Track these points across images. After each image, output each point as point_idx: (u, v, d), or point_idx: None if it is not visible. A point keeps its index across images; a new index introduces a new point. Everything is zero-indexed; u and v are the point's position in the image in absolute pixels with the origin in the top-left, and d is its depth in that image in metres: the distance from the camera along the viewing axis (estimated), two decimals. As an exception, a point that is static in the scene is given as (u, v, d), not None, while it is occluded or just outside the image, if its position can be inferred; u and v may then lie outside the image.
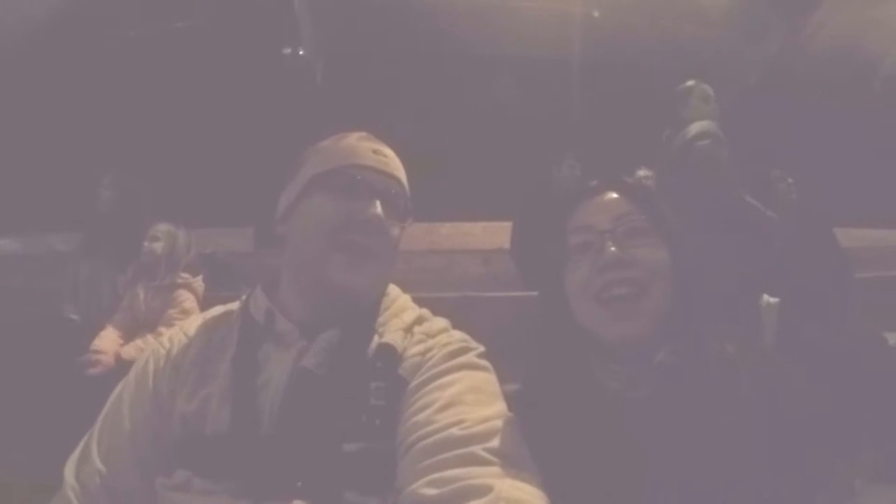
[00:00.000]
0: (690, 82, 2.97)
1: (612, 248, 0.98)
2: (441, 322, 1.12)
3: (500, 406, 0.96)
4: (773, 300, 2.36)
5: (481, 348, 1.07)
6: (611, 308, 0.97)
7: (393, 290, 1.15)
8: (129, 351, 2.70)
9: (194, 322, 1.16)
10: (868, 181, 5.44)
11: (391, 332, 1.04)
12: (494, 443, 0.88)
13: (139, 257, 2.98)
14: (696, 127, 2.48)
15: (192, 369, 1.06)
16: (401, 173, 1.12)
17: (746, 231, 2.42)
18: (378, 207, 1.04)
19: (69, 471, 1.02)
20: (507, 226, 3.75)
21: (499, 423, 0.91)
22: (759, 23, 5.75)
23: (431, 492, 0.83)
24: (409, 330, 1.07)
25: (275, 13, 5.21)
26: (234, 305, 1.15)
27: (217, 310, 1.17)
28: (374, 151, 1.09)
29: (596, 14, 5.53)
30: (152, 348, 1.13)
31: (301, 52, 5.61)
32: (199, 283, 2.97)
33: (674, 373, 0.96)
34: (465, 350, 1.04)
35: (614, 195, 1.06)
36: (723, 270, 2.27)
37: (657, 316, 0.97)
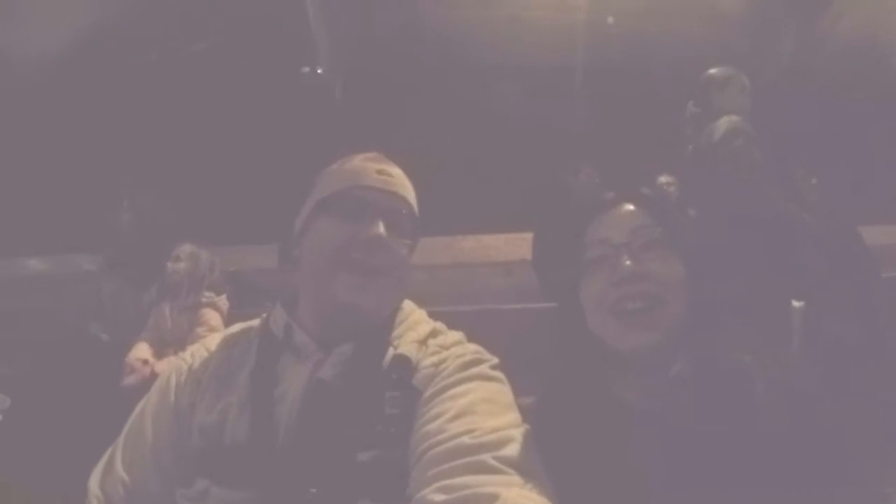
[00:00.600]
0: (730, 70, 2.92)
1: (628, 262, 0.99)
2: (455, 335, 1.14)
3: (512, 416, 0.97)
4: (798, 304, 2.33)
5: (495, 360, 1.08)
6: (625, 320, 0.98)
7: (408, 304, 1.17)
8: (162, 367, 2.72)
9: (215, 338, 1.20)
10: (891, 176, 5.35)
11: (406, 345, 1.06)
12: (505, 452, 0.88)
13: (163, 278, 3.02)
14: (726, 124, 2.44)
15: (211, 382, 1.09)
16: (406, 191, 1.14)
17: (781, 234, 2.39)
18: (381, 227, 1.06)
19: (94, 481, 1.07)
20: (528, 237, 3.70)
21: (510, 432, 0.92)
22: (775, 22, 5.71)
23: (440, 498, 0.84)
24: (423, 342, 1.09)
25: (292, 33, 5.27)
26: (255, 322, 1.18)
27: (237, 326, 1.21)
28: (379, 172, 1.11)
29: (610, 20, 5.52)
30: (175, 364, 1.17)
31: (319, 71, 5.66)
32: (223, 301, 3.01)
33: (689, 384, 0.96)
34: (478, 361, 1.05)
35: (631, 207, 1.06)
36: (755, 274, 2.25)
37: (672, 327, 0.98)
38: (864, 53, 5.92)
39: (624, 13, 5.50)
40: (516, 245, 4.40)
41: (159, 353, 2.90)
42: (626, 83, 5.58)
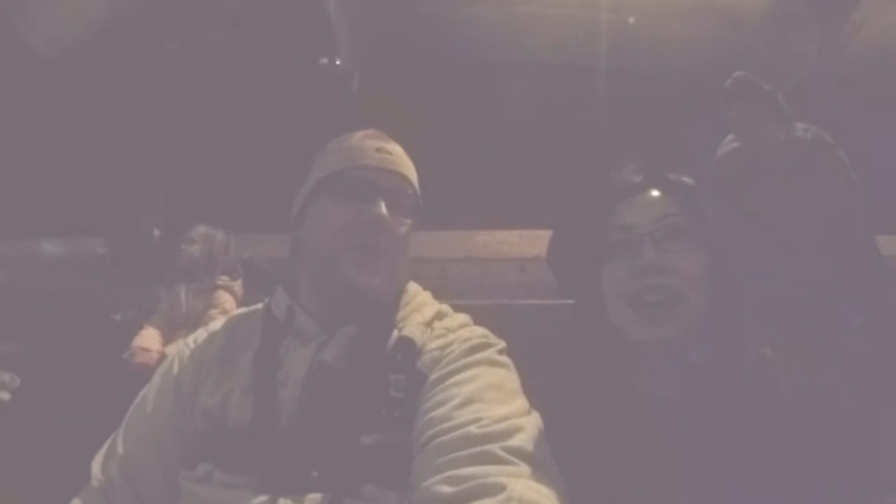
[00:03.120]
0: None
1: (651, 254, 0.97)
2: (462, 317, 1.13)
3: (519, 403, 0.96)
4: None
5: (501, 344, 1.07)
6: (643, 312, 0.96)
7: (413, 286, 1.16)
8: (173, 349, 2.71)
9: (218, 322, 1.20)
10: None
11: (411, 327, 1.05)
12: (512, 442, 0.87)
13: (178, 260, 3.02)
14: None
15: (214, 365, 1.09)
16: (407, 170, 1.13)
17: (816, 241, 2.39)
18: (382, 207, 1.05)
19: (96, 465, 1.08)
20: (543, 234, 3.65)
21: (517, 422, 0.91)
22: (796, 26, 5.66)
23: (446, 489, 0.83)
24: (429, 324, 1.07)
25: (311, 24, 5.27)
26: (258, 306, 1.18)
27: (241, 311, 1.22)
28: (378, 150, 1.10)
29: (631, 20, 5.49)
30: (178, 349, 1.17)
31: (338, 62, 5.66)
32: (238, 285, 3.02)
33: (705, 372, 0.95)
34: (485, 346, 1.04)
35: (657, 193, 1.04)
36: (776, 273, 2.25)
37: (691, 321, 0.96)
38: (885, 61, 5.86)
39: (644, 13, 5.46)
40: (530, 241, 4.38)
41: (169, 337, 2.90)
42: (645, 83, 5.55)
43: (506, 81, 5.62)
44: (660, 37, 5.53)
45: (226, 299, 2.94)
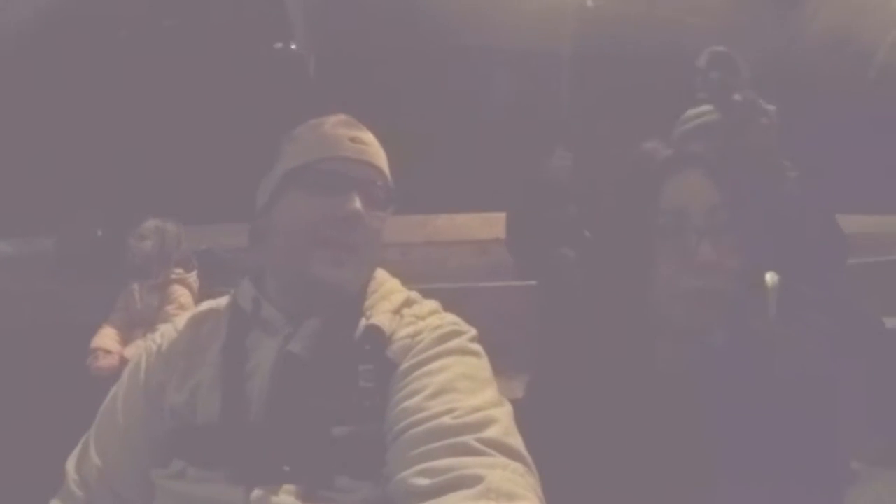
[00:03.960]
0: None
1: (709, 251, 0.97)
2: (431, 304, 1.12)
3: (490, 393, 0.95)
4: (772, 280, 2.39)
5: (473, 331, 1.06)
6: (693, 305, 0.98)
7: (381, 273, 1.14)
8: (131, 352, 2.67)
9: (184, 317, 1.18)
10: (865, 169, 5.47)
11: (379, 315, 1.03)
12: (487, 433, 0.87)
13: (131, 258, 2.95)
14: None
15: (180, 360, 1.07)
16: (380, 160, 1.11)
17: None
18: (356, 202, 1.03)
19: (71, 465, 1.07)
20: (502, 216, 3.70)
21: (491, 412, 0.90)
22: (755, 14, 5.75)
23: (423, 482, 0.82)
24: (397, 312, 1.06)
25: (266, 7, 5.18)
26: (224, 299, 1.16)
27: (207, 304, 1.19)
28: (352, 139, 1.07)
29: (589, 3, 5.52)
30: (145, 345, 1.15)
31: (293, 47, 5.58)
32: (193, 278, 2.96)
33: (721, 350, 0.99)
34: (456, 333, 1.03)
35: (697, 175, 1.03)
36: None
37: (726, 311, 0.99)
38: (840, 50, 6.02)
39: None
40: (491, 224, 4.41)
41: (127, 336, 2.84)
42: (608, 67, 5.60)
43: (463, 64, 5.62)
44: (619, 21, 5.57)
45: (181, 293, 2.89)
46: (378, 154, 1.11)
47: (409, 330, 1.03)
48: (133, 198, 3.75)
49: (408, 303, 1.10)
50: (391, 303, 1.08)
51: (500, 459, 0.84)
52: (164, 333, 1.15)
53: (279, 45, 5.61)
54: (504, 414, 0.92)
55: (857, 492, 2.30)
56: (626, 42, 5.68)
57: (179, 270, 2.94)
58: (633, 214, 1.03)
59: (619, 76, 5.50)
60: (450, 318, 1.09)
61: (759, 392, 0.94)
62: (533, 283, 2.75)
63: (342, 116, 1.13)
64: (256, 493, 0.90)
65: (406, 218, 4.10)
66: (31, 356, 2.66)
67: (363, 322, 1.03)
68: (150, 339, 1.16)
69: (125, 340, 2.82)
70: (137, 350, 1.19)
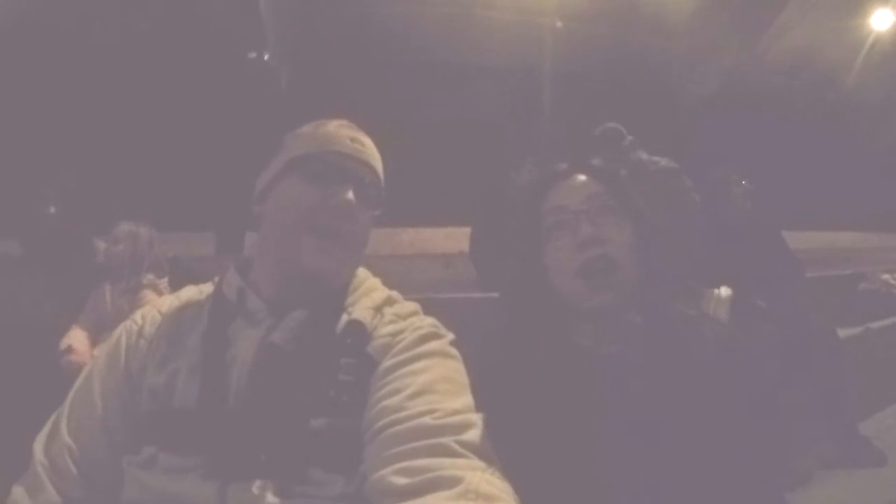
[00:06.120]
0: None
1: (588, 227, 1.09)
2: (411, 305, 1.14)
3: (468, 398, 0.98)
4: (725, 293, 2.50)
5: (451, 335, 1.09)
6: (591, 282, 1.07)
7: (362, 271, 1.17)
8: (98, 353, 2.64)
9: (167, 300, 1.18)
10: (820, 187, 5.64)
11: (360, 311, 1.06)
12: (466, 436, 0.88)
13: (105, 260, 2.94)
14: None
15: (161, 343, 1.07)
16: (376, 162, 1.15)
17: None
18: (350, 193, 1.06)
19: (38, 447, 1.02)
20: (466, 231, 3.77)
21: (470, 416, 0.93)
22: (718, 34, 5.91)
23: (401, 481, 0.83)
24: (378, 309, 1.08)
25: (240, 17, 5.19)
26: (207, 286, 1.16)
27: (190, 289, 1.19)
28: (352, 139, 1.11)
29: (559, 24, 5.63)
30: (125, 325, 1.14)
31: (266, 57, 5.59)
32: (164, 284, 2.94)
33: (642, 330, 1.08)
34: (436, 335, 1.06)
35: (583, 177, 1.16)
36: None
37: (628, 286, 1.08)
38: (802, 71, 6.21)
39: (571, 18, 5.61)
40: (454, 238, 4.47)
41: (96, 339, 2.79)
42: (576, 85, 5.71)
43: (433, 79, 5.68)
44: (586, 41, 5.69)
45: (152, 298, 2.86)
46: (375, 157, 1.15)
47: (391, 328, 1.04)
48: (94, 189, 3.70)
49: (389, 301, 1.12)
50: (372, 299, 1.09)
51: (478, 462, 0.85)
52: (146, 315, 1.14)
53: (252, 54, 5.61)
54: (481, 420, 0.93)
55: (810, 493, 2.41)
56: (594, 61, 5.80)
57: (151, 276, 2.92)
58: (525, 216, 1.18)
59: (587, 94, 5.63)
60: (429, 320, 1.10)
61: (676, 372, 1.03)
62: (496, 295, 2.82)
63: (345, 121, 1.17)
64: (231, 487, 0.91)
65: (372, 231, 4.13)
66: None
67: (345, 317, 1.05)
68: (131, 321, 1.14)
69: (94, 342, 2.77)
70: (115, 331, 1.15)
